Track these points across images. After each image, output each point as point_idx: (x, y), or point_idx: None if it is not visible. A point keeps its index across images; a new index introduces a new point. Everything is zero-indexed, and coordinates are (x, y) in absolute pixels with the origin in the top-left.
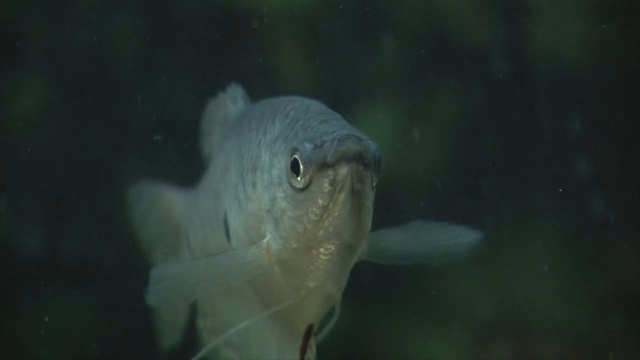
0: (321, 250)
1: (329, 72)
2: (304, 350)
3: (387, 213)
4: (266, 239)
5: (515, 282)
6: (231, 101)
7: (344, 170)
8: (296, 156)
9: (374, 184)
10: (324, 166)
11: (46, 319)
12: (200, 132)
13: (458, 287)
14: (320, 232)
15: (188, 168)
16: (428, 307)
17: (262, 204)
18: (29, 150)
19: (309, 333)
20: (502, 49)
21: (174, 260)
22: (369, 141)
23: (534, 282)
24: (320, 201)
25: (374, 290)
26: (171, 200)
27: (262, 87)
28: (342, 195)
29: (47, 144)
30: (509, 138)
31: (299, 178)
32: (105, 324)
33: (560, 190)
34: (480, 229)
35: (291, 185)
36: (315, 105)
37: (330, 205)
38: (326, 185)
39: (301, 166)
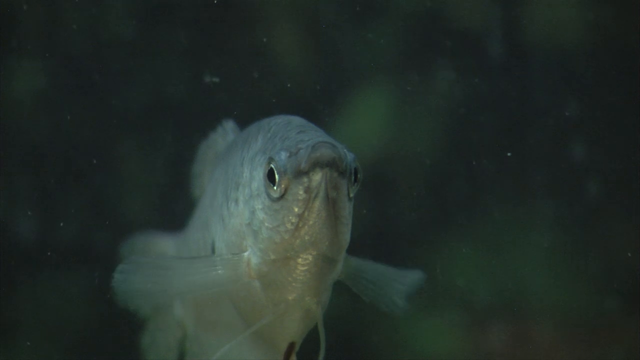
0: (299, 261)
1: (325, 54)
2: None
3: (383, 196)
4: (246, 253)
5: (512, 266)
6: (222, 138)
7: (317, 176)
8: (272, 165)
9: (351, 195)
10: (298, 173)
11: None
12: (191, 174)
13: (455, 271)
14: (297, 241)
15: (183, 149)
16: (425, 291)
17: (243, 218)
18: (23, 134)
19: (289, 351)
20: (498, 30)
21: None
22: (346, 150)
23: (531, 266)
24: (296, 209)
25: None
26: (163, 248)
27: (257, 71)
28: (317, 203)
29: (40, 128)
30: (506, 120)
31: (275, 187)
32: (98, 309)
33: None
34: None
35: (268, 195)
36: (297, 120)
37: (306, 214)
38: (301, 192)
39: (276, 175)
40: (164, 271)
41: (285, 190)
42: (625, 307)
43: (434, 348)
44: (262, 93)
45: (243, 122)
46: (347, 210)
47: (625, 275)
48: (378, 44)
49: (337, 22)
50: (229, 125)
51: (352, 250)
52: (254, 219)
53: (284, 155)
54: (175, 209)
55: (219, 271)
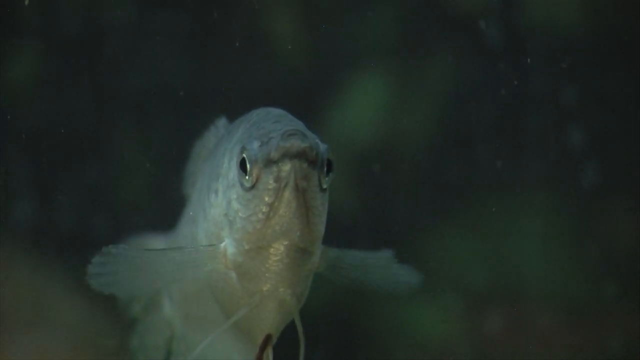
0: (271, 251)
1: (321, 39)
2: None
3: (379, 183)
4: (223, 243)
5: (508, 251)
6: (215, 137)
7: (287, 166)
8: (244, 154)
9: (325, 187)
10: (268, 162)
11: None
12: (185, 174)
13: (452, 258)
14: (269, 231)
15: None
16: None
17: (222, 209)
18: (21, 118)
19: (265, 343)
20: (496, 14)
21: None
22: (318, 141)
23: (527, 251)
24: (267, 199)
25: None
26: (157, 247)
27: (252, 57)
28: (287, 193)
29: (37, 112)
30: (502, 106)
31: (247, 176)
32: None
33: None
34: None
35: (241, 184)
36: (276, 111)
37: (276, 204)
38: (271, 181)
39: (248, 164)
40: (139, 262)
41: (257, 179)
42: (622, 294)
43: (430, 334)
44: (256, 80)
45: (236, 112)
46: (318, 201)
47: (623, 261)
48: (375, 28)
49: (334, 6)
50: (221, 122)
51: (346, 237)
52: (229, 209)
53: (255, 144)
54: (170, 208)
55: (196, 261)
